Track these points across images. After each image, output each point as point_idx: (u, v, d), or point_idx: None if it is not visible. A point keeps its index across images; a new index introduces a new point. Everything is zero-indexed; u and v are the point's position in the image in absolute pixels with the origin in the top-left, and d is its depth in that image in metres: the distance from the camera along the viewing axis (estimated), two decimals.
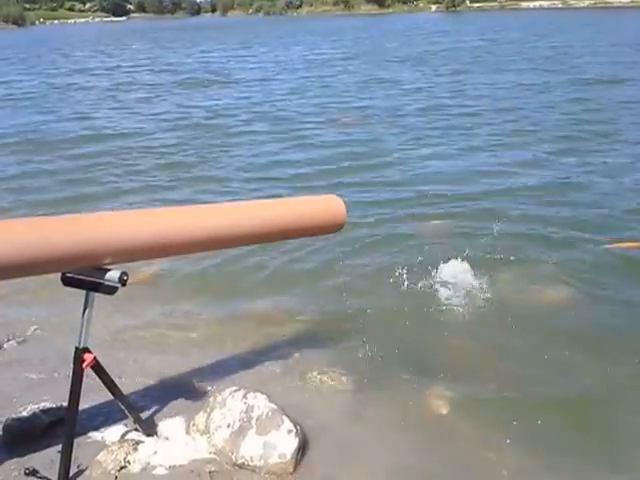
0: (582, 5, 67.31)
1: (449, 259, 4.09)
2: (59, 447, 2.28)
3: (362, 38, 31.93)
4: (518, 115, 10.02)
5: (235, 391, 2.57)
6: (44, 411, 2.61)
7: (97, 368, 2.29)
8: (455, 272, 4.00)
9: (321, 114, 10.87)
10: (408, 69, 17.06)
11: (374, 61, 19.45)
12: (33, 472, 2.33)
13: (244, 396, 2.53)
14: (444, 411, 2.81)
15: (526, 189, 6.12)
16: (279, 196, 5.67)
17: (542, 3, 72.64)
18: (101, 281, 2.11)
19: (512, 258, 4.30)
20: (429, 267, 4.07)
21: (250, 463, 2.38)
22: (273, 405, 2.51)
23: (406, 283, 3.94)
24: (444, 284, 3.94)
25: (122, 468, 2.35)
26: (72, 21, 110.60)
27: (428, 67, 17.26)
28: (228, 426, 2.46)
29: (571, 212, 5.41)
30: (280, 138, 9.04)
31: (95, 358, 2.24)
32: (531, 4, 73.16)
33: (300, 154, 8.03)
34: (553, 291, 3.93)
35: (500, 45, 23.44)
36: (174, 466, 2.39)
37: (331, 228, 2.98)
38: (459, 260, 4.06)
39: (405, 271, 4.01)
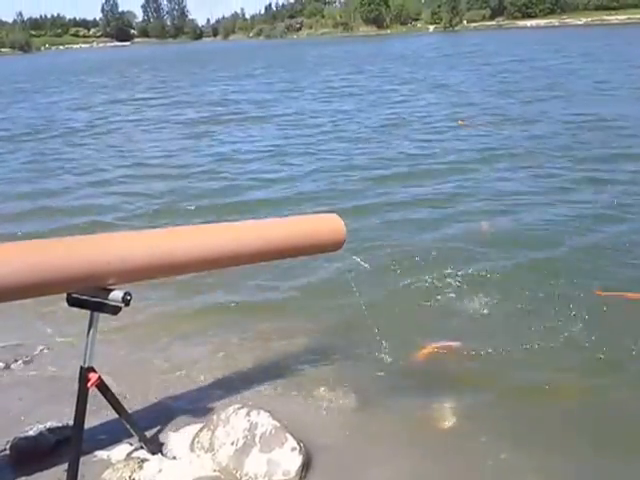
0: (579, 23, 67.89)
1: (451, 278, 4.12)
2: (65, 466, 2.31)
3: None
4: None
5: (238, 408, 2.59)
6: (50, 430, 2.64)
7: (102, 387, 2.32)
8: (458, 289, 4.02)
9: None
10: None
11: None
12: None
13: (247, 413, 2.55)
14: (448, 426, 2.82)
15: None
16: None
17: (539, 22, 73.35)
18: (105, 301, 2.15)
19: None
20: (434, 285, 4.09)
21: None
22: (276, 422, 2.52)
23: (410, 299, 3.96)
24: (447, 301, 3.96)
25: None
26: (77, 46, 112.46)
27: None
28: (232, 444, 2.47)
29: None
30: None
31: (100, 377, 2.27)
32: (528, 23, 73.88)
33: None
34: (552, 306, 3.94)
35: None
36: None
37: (330, 247, 3.00)
38: (461, 278, 4.09)
39: (411, 287, 4.04)
